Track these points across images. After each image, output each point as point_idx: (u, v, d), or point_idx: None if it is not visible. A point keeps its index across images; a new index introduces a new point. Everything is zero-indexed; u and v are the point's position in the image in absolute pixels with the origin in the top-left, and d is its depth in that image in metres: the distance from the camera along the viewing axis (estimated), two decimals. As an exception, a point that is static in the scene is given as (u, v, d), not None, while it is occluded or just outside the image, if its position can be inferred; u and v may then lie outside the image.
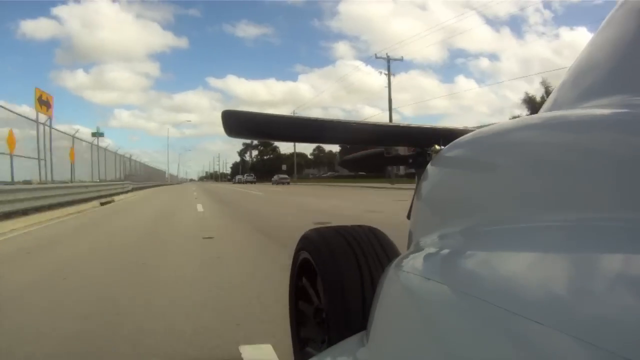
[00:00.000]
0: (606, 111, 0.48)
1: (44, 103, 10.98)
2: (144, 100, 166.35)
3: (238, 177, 56.09)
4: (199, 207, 9.61)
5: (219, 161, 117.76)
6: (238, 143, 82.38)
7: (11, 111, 8.75)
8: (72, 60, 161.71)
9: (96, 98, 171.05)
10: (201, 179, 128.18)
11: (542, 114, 0.64)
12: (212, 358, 1.62)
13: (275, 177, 39.32)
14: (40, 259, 3.78)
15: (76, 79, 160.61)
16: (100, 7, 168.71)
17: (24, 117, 9.51)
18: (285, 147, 62.83)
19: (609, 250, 0.32)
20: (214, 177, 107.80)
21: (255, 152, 73.20)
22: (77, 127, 14.36)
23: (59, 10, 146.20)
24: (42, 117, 10.55)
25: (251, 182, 43.92)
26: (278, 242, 4.15)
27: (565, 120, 0.51)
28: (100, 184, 14.72)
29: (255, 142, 67.39)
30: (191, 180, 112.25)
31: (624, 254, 0.31)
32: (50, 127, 10.97)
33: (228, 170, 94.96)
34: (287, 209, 8.98)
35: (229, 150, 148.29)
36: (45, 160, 10.15)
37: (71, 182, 12.20)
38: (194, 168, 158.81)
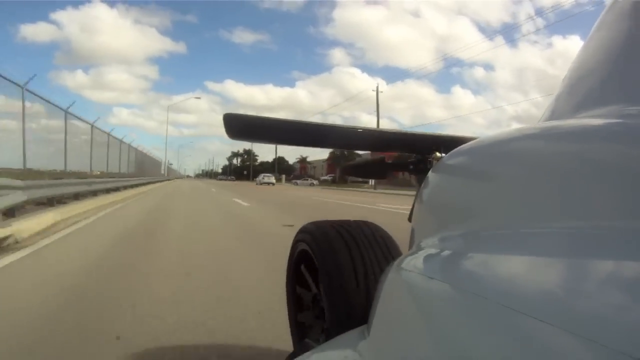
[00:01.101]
0: (602, 121, 0.50)
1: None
2: (143, 101, 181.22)
3: (220, 176, 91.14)
4: (202, 184, 34.49)
5: (212, 163, 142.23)
6: (233, 145, 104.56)
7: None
8: (71, 62, 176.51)
9: (95, 97, 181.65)
10: (197, 176, 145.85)
11: (542, 123, 0.65)
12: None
13: (229, 177, 76.13)
14: (177, 191, 28.17)
15: (75, 79, 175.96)
16: (98, 12, 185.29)
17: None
18: (262, 157, 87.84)
19: (605, 254, 0.34)
20: (209, 175, 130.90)
21: (240, 159, 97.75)
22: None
23: (57, 15, 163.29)
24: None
25: (225, 180, 74.24)
26: (213, 184, 29.47)
27: (564, 129, 0.52)
28: (160, 176, 39.02)
29: (241, 151, 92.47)
30: (188, 176, 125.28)
31: (620, 259, 0.32)
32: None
33: (220, 170, 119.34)
34: (212, 184, 34.63)
35: (225, 150, 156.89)
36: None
37: (167, 174, 36.21)
38: (191, 166, 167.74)
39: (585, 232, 0.37)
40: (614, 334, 0.25)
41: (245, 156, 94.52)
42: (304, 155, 61.44)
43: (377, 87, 34.33)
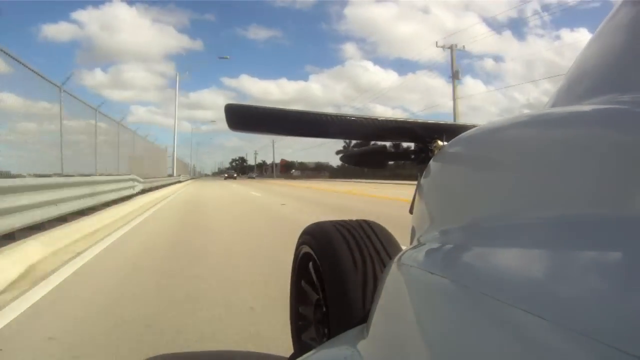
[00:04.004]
0: (603, 107, 0.49)
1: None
2: (160, 98, 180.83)
3: (224, 174, 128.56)
4: (222, 181, 78.11)
5: (222, 164, 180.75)
6: (248, 141, 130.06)
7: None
8: (91, 60, 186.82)
9: (114, 96, 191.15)
10: (214, 174, 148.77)
11: (547, 109, 0.64)
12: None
13: (228, 174, 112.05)
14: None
15: (95, 78, 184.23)
16: (118, 11, 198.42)
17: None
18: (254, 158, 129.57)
19: (610, 246, 0.33)
20: (222, 173, 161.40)
21: (236, 163, 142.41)
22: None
23: (78, 15, 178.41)
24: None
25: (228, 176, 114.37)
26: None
27: (572, 115, 0.51)
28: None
29: (237, 158, 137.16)
30: (206, 175, 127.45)
31: (623, 251, 0.32)
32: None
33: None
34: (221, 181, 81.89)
35: (242, 145, 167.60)
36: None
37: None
38: (208, 164, 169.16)
39: (592, 223, 0.36)
40: (616, 331, 0.24)
41: (240, 161, 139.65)
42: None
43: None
